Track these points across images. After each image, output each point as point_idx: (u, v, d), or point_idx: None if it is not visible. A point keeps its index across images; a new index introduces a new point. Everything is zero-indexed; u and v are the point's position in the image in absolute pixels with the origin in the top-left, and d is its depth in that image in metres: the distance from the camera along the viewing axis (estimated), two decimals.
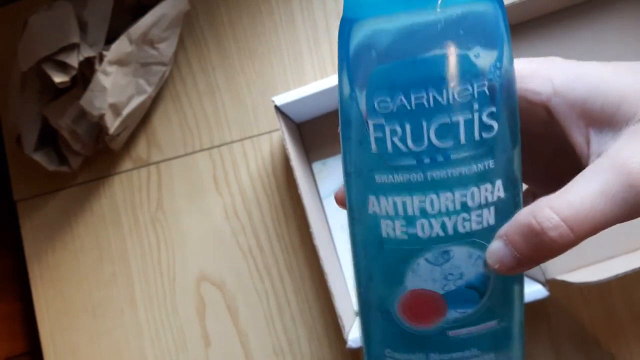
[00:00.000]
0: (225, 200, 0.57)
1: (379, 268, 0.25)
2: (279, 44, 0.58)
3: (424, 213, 0.23)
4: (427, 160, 0.23)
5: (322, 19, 0.58)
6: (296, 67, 0.58)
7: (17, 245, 0.59)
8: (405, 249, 0.24)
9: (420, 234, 0.24)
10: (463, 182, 0.23)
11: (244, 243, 0.56)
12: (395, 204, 0.24)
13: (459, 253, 0.24)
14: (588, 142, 0.22)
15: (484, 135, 0.23)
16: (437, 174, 0.23)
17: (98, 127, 0.54)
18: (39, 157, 0.54)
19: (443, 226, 0.23)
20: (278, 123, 0.49)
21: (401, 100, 0.23)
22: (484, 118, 0.23)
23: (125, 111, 0.52)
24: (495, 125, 0.23)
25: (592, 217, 0.21)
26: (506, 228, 0.23)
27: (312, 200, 0.51)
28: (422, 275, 0.24)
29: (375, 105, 0.23)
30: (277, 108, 0.49)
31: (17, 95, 0.53)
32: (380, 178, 0.24)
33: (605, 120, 0.22)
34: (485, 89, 0.22)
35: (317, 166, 0.55)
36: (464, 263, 0.24)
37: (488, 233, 0.24)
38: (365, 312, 0.27)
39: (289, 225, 0.56)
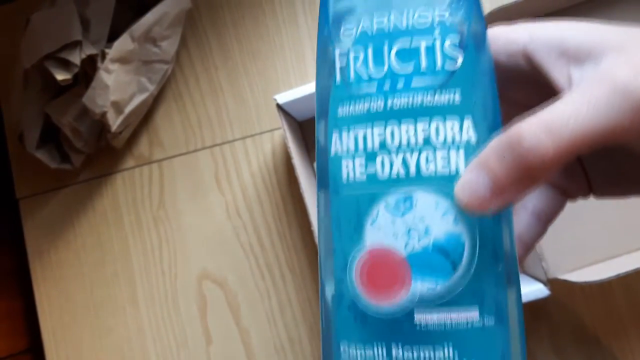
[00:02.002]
0: (227, 199, 0.57)
1: (340, 226, 0.22)
2: (281, 43, 0.58)
3: (384, 147, 0.22)
4: (387, 86, 0.22)
5: None
6: (298, 67, 0.58)
7: (19, 243, 0.59)
8: (365, 195, 0.22)
9: (379, 173, 0.22)
10: (425, 112, 0.21)
11: (245, 241, 0.56)
12: (355, 137, 0.22)
13: (423, 200, 0.21)
14: (570, 79, 0.21)
15: (447, 66, 0.22)
16: (398, 101, 0.22)
17: (100, 124, 0.54)
18: (41, 155, 0.54)
19: (404, 163, 0.21)
20: (280, 121, 0.49)
21: (363, 25, 0.22)
22: (447, 48, 0.22)
23: (128, 109, 0.52)
24: (459, 57, 0.22)
25: (574, 124, 0.19)
26: (480, 154, 0.20)
27: (313, 198, 0.51)
28: (382, 229, 0.21)
29: (341, 33, 0.23)
30: (279, 106, 0.49)
31: (20, 93, 0.53)
32: (343, 110, 0.23)
33: (585, 53, 0.21)
34: (448, 17, 0.22)
35: None
36: (430, 215, 0.21)
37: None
38: (322, 298, 0.24)
39: (291, 223, 0.56)
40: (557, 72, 0.22)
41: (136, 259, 0.57)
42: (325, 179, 0.23)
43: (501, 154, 0.19)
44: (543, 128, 0.19)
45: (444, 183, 0.21)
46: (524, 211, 0.26)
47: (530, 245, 0.26)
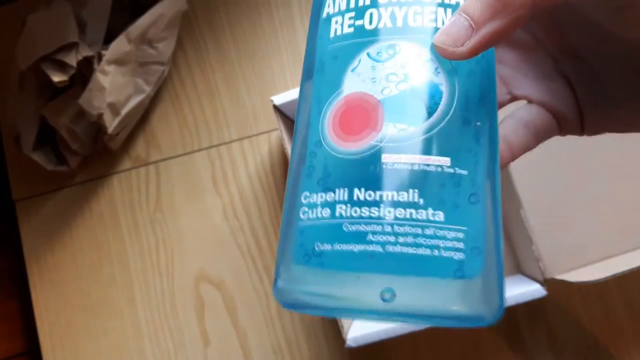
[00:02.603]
0: (224, 200, 0.57)
1: (321, 78, 0.22)
2: (278, 44, 0.58)
3: (374, 2, 0.21)
4: None
5: None
6: (295, 68, 0.58)
7: (15, 245, 0.59)
8: (348, 45, 0.21)
9: (367, 25, 0.21)
10: None
11: (242, 243, 0.56)
12: None
13: (406, 49, 0.21)
14: None
15: None
16: None
17: (96, 126, 0.54)
18: (37, 157, 0.54)
19: (392, 16, 0.21)
20: (277, 122, 0.49)
21: None
22: None
23: (124, 111, 0.52)
24: None
25: None
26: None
27: None
28: (361, 74, 0.21)
29: None
30: (275, 107, 0.49)
31: (16, 95, 0.53)
32: None
33: None
34: None
35: None
36: (411, 63, 0.20)
37: None
38: (293, 148, 0.23)
39: None
40: None
41: (133, 260, 0.57)
42: (311, 65, 0.23)
43: None
44: None
45: (430, 38, 0.21)
46: (512, 119, 0.25)
47: (516, 150, 0.25)
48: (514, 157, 0.25)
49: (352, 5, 0.22)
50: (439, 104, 0.20)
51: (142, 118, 0.58)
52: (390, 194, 0.19)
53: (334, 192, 0.20)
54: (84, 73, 0.51)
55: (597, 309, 0.51)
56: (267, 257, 0.55)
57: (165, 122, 0.59)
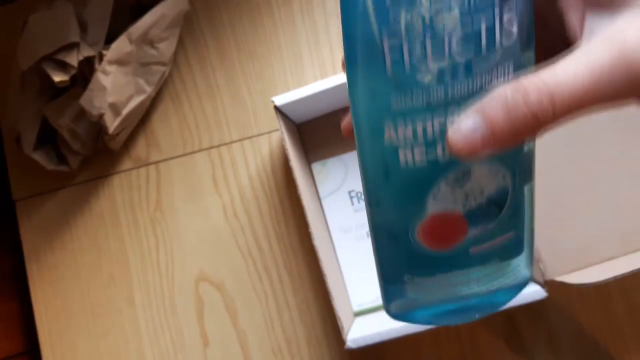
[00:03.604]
0: (224, 201, 0.57)
1: (398, 197, 0.24)
2: (279, 44, 0.59)
3: (444, 136, 0.21)
4: (448, 76, 0.21)
5: (322, 20, 0.58)
6: (296, 68, 0.58)
7: (15, 245, 0.59)
8: (425, 175, 0.23)
9: (440, 158, 0.22)
10: (482, 94, 0.21)
11: (243, 243, 0.56)
12: (415, 128, 0.22)
13: (479, 171, 0.23)
14: (582, 27, 0.21)
15: (505, 42, 0.21)
16: (459, 89, 0.21)
17: (97, 126, 0.54)
18: (38, 157, 0.54)
19: None
20: (277, 123, 0.49)
21: (418, 9, 0.20)
22: (505, 23, 0.21)
23: (125, 111, 0.52)
24: (514, 30, 0.21)
25: (574, 87, 0.19)
26: (482, 103, 0.20)
27: (311, 200, 0.51)
28: (443, 199, 0.23)
29: (391, 18, 0.21)
30: (276, 108, 0.49)
31: (17, 95, 0.53)
32: (397, 101, 0.22)
33: (605, 2, 0.20)
34: None
35: (316, 167, 0.55)
36: (484, 180, 0.23)
37: (506, 153, 0.23)
38: (380, 242, 0.26)
39: (288, 225, 0.56)
40: (572, 15, 0.21)
41: (133, 260, 0.57)
42: (376, 150, 0.24)
43: (500, 108, 0.20)
44: (544, 90, 0.19)
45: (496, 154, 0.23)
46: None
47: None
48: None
49: (420, 138, 0.22)
50: (506, 199, 0.24)
51: (142, 118, 0.58)
52: (477, 269, 0.25)
53: (434, 278, 0.25)
54: (85, 73, 0.51)
55: (597, 311, 0.51)
56: (267, 257, 0.55)
57: (166, 123, 0.59)
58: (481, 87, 0.21)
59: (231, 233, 0.56)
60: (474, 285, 0.25)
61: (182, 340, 0.55)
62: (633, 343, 0.50)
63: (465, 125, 0.20)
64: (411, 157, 0.22)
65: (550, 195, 0.50)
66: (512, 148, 0.21)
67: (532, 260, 0.27)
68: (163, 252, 0.57)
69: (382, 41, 0.21)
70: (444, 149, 0.22)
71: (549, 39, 0.24)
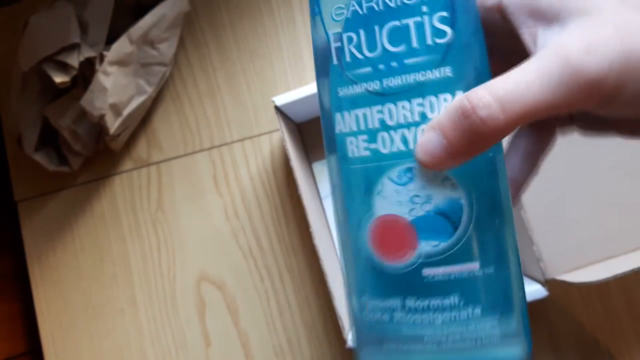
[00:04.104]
0: (225, 201, 0.57)
1: (351, 195, 0.24)
2: (279, 44, 0.59)
3: (384, 125, 0.23)
4: (381, 67, 0.23)
5: None
6: (296, 68, 0.58)
7: (17, 246, 0.59)
8: (370, 168, 0.23)
9: (382, 149, 0.23)
10: (419, 90, 0.22)
11: (244, 243, 0.56)
12: (357, 117, 0.24)
13: (423, 171, 0.23)
14: (535, 41, 0.22)
15: (437, 40, 0.22)
16: (393, 81, 0.23)
17: (98, 127, 0.54)
18: (39, 158, 0.54)
19: (403, 139, 0.23)
20: (278, 123, 0.49)
21: (354, 6, 0.23)
22: (435, 22, 0.22)
23: (126, 111, 0.52)
24: (448, 30, 0.22)
25: (525, 97, 0.20)
26: (437, 117, 0.22)
27: (312, 200, 0.51)
28: (388, 198, 0.23)
29: (332, 15, 0.24)
30: (277, 108, 0.49)
31: (18, 96, 0.53)
32: (342, 91, 0.24)
33: (552, 16, 0.21)
34: None
35: (317, 166, 0.55)
36: (430, 183, 0.23)
37: None
38: (344, 255, 0.26)
39: (289, 225, 0.56)
40: (525, 30, 0.22)
41: (134, 261, 0.57)
42: (332, 145, 0.25)
43: (454, 120, 0.21)
44: (495, 99, 0.20)
45: None
46: (516, 152, 0.27)
47: (522, 184, 0.27)
48: (522, 191, 0.27)
49: (362, 127, 0.23)
50: (461, 217, 0.23)
51: (143, 119, 0.58)
52: (435, 301, 0.23)
53: (390, 301, 0.24)
54: (86, 74, 0.51)
55: (598, 310, 0.51)
56: (268, 257, 0.56)
57: (167, 123, 0.59)
58: (415, 82, 0.22)
59: (232, 233, 0.56)
60: (438, 327, 0.23)
61: (183, 340, 0.55)
62: (634, 341, 0.50)
63: (425, 140, 0.21)
64: (356, 148, 0.24)
65: (551, 194, 0.51)
66: (473, 158, 0.22)
67: (525, 333, 0.24)
68: (164, 252, 0.57)
69: (329, 42, 0.24)
70: (384, 142, 0.23)
71: (507, 55, 0.25)
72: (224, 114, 0.58)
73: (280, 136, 0.55)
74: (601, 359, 0.50)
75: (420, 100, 0.22)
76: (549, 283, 0.45)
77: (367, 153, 0.23)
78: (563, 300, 0.51)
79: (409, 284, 0.23)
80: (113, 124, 0.52)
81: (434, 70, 0.22)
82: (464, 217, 0.23)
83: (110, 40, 0.51)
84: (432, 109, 0.22)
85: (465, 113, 0.20)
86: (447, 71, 0.22)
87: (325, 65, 0.24)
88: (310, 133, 0.56)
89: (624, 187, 0.50)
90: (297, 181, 0.47)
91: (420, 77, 0.22)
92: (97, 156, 0.58)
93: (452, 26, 0.22)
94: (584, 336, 0.51)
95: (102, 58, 0.50)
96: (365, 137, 0.23)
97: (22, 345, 0.58)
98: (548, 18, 0.21)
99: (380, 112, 0.23)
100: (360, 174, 0.24)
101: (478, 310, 0.23)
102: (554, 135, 0.27)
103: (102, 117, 0.50)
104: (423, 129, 0.22)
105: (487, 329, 0.23)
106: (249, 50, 0.59)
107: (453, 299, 0.23)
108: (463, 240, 0.23)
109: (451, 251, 0.23)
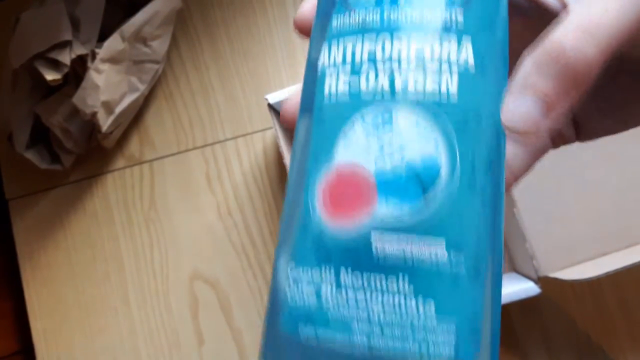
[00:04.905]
0: (218, 199, 0.57)
1: (314, 140, 0.20)
2: (272, 43, 0.58)
3: (372, 59, 0.20)
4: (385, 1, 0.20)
5: None
6: (290, 66, 0.58)
7: (8, 244, 0.59)
8: (344, 106, 0.20)
9: (363, 86, 0.19)
10: (422, 28, 0.19)
11: (237, 241, 0.56)
12: (345, 48, 0.20)
13: (404, 118, 0.19)
14: None
15: None
16: (395, 14, 0.20)
17: (90, 125, 0.54)
18: (30, 156, 0.54)
19: (391, 78, 0.19)
20: (271, 121, 0.49)
21: None
22: None
23: (118, 109, 0.52)
24: None
25: (608, 22, 0.18)
26: (517, 80, 0.19)
27: None
28: (354, 143, 0.19)
29: None
30: (270, 106, 0.49)
31: (9, 93, 0.52)
32: (338, 21, 0.21)
33: None
34: None
35: None
36: (408, 134, 0.19)
37: (444, 107, 0.19)
38: (284, 215, 0.21)
39: None
40: None
41: (127, 259, 0.57)
42: (310, 99, 0.21)
43: (544, 70, 0.18)
44: (582, 32, 0.18)
45: (430, 103, 0.19)
46: (510, 141, 0.25)
47: (517, 173, 0.24)
48: (517, 180, 0.25)
49: (348, 59, 0.20)
50: (435, 179, 0.18)
51: (136, 116, 0.58)
52: (378, 279, 0.18)
53: (320, 272, 0.19)
54: (78, 71, 0.51)
55: (590, 307, 0.51)
56: (262, 255, 0.55)
57: (160, 121, 0.59)
58: (420, 19, 0.20)
59: (225, 231, 0.56)
60: (374, 314, 0.18)
61: (177, 339, 0.55)
62: (626, 338, 0.51)
63: (515, 105, 0.19)
64: (335, 82, 0.20)
65: (543, 192, 0.51)
66: (566, 110, 0.19)
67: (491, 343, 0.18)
68: (157, 250, 0.57)
69: None
70: (367, 77, 0.20)
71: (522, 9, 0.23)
72: (217, 111, 0.58)
73: (274, 134, 0.55)
74: (594, 355, 0.51)
75: (421, 36, 0.19)
76: (541, 280, 0.45)
77: (346, 89, 0.20)
78: (556, 297, 0.51)
79: (351, 253, 0.18)
80: (105, 122, 0.51)
81: (442, 10, 0.20)
82: (440, 181, 0.18)
83: (102, 37, 0.51)
84: (432, 52, 0.19)
85: (553, 56, 0.18)
86: (457, 15, 0.20)
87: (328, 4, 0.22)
88: None
89: (616, 185, 0.50)
90: None
91: (426, 15, 0.20)
92: (89, 154, 0.58)
93: None
94: (576, 333, 0.51)
95: (94, 55, 0.50)
96: (348, 70, 0.20)
97: (14, 344, 0.58)
98: None
99: (373, 44, 0.20)
100: (331, 112, 0.20)
101: (431, 307, 0.17)
102: (549, 143, 0.26)
103: (94, 114, 0.50)
104: (416, 71, 0.19)
105: (437, 335, 0.17)
106: (242, 48, 0.59)
107: (401, 283, 0.18)
108: (431, 209, 0.18)
109: (414, 219, 0.18)
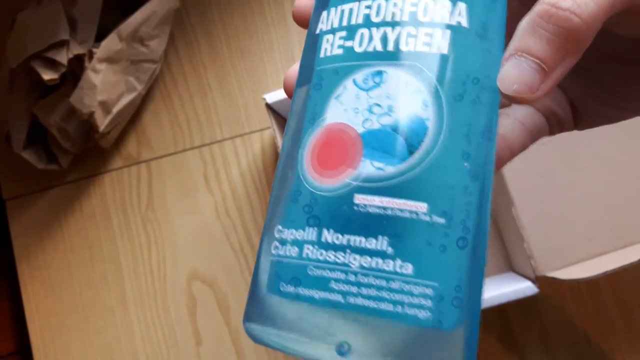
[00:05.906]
0: (216, 198, 0.57)
1: (310, 101, 0.21)
2: (270, 42, 0.58)
3: (367, 21, 0.20)
4: None
5: None
6: (288, 66, 0.58)
7: (5, 244, 0.59)
8: (338, 68, 0.20)
9: (357, 47, 0.20)
10: None
11: (235, 241, 0.56)
12: (342, 12, 0.20)
13: (395, 77, 0.19)
14: None
15: None
16: None
17: (88, 125, 0.54)
18: (28, 155, 0.53)
19: (384, 38, 0.19)
20: (269, 121, 0.49)
21: None
22: None
23: (116, 109, 0.52)
24: None
25: None
26: (512, 43, 0.18)
27: None
28: (345, 104, 0.19)
29: None
30: (268, 106, 0.49)
31: (6, 93, 0.52)
32: None
33: None
34: None
35: None
36: (398, 93, 0.19)
37: (436, 63, 0.19)
38: (275, 182, 0.21)
39: None
40: None
41: (125, 259, 0.57)
42: (307, 69, 0.21)
43: (538, 31, 0.18)
44: None
45: (422, 63, 0.19)
46: (508, 117, 0.25)
47: (514, 149, 0.24)
48: (512, 156, 0.25)
49: (344, 23, 0.20)
50: (422, 141, 0.18)
51: (133, 116, 0.58)
52: (358, 239, 0.18)
53: (304, 231, 0.19)
54: (75, 71, 0.51)
55: (588, 306, 0.51)
56: None
57: (157, 121, 0.58)
58: None
59: (223, 231, 0.56)
60: (351, 273, 0.18)
61: (174, 339, 0.55)
62: (624, 338, 0.51)
63: (510, 68, 0.18)
64: (330, 46, 0.20)
65: (541, 191, 0.51)
66: (567, 72, 0.18)
67: (469, 346, 0.18)
68: (155, 250, 0.57)
69: None
70: (361, 39, 0.20)
71: None
72: (214, 111, 0.58)
73: (272, 134, 0.55)
74: (591, 354, 0.51)
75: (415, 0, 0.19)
76: (539, 280, 0.45)
77: (340, 51, 0.20)
78: (554, 297, 0.51)
79: (334, 211, 0.18)
80: (103, 122, 0.51)
81: None
82: (426, 142, 0.18)
83: (100, 37, 0.51)
84: (425, 12, 0.19)
85: (548, 15, 0.18)
86: None
87: None
88: None
89: (614, 185, 0.50)
90: None
91: None
92: (86, 154, 0.58)
93: None
94: (574, 333, 0.51)
95: (91, 55, 0.50)
96: (343, 33, 0.20)
97: (11, 344, 0.58)
98: None
99: (369, 7, 0.20)
100: (325, 75, 0.20)
101: (408, 269, 0.17)
102: (547, 126, 0.26)
103: (91, 114, 0.50)
104: (409, 32, 0.19)
105: (413, 298, 0.17)
106: (239, 48, 0.59)
107: (381, 242, 0.18)
108: (416, 170, 0.18)
109: (397, 179, 0.18)
